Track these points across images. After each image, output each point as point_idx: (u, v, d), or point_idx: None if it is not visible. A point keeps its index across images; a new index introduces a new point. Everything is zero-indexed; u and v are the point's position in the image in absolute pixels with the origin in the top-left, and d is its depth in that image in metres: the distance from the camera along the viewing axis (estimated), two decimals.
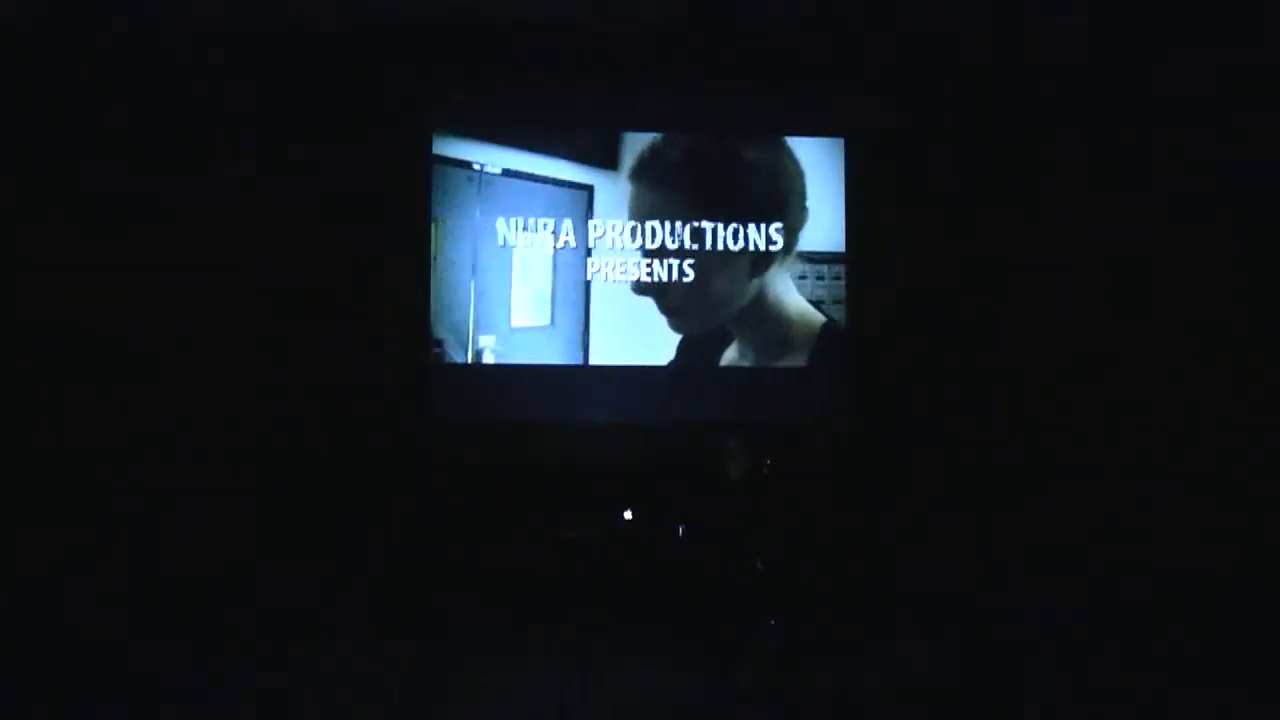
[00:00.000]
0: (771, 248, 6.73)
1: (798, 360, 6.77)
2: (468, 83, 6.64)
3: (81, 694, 4.78)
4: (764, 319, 6.78)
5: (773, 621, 4.61)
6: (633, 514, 4.90)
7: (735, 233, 6.73)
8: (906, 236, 6.67)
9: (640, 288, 6.72)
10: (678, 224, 6.72)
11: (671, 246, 6.70)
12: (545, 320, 6.72)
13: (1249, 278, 6.46)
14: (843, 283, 6.78)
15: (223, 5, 6.12)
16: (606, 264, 6.71)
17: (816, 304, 6.78)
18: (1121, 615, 5.89)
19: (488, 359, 6.63)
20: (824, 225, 6.80)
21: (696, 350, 6.73)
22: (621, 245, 6.72)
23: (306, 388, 6.33)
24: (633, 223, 6.73)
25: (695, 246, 6.71)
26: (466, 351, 6.62)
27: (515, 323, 6.70)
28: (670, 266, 6.69)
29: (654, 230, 6.72)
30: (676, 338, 6.74)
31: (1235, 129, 6.50)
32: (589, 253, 6.72)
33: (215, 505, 6.15)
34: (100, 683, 4.94)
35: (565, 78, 6.62)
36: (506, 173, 6.73)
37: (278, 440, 6.27)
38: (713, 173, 6.79)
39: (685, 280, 6.68)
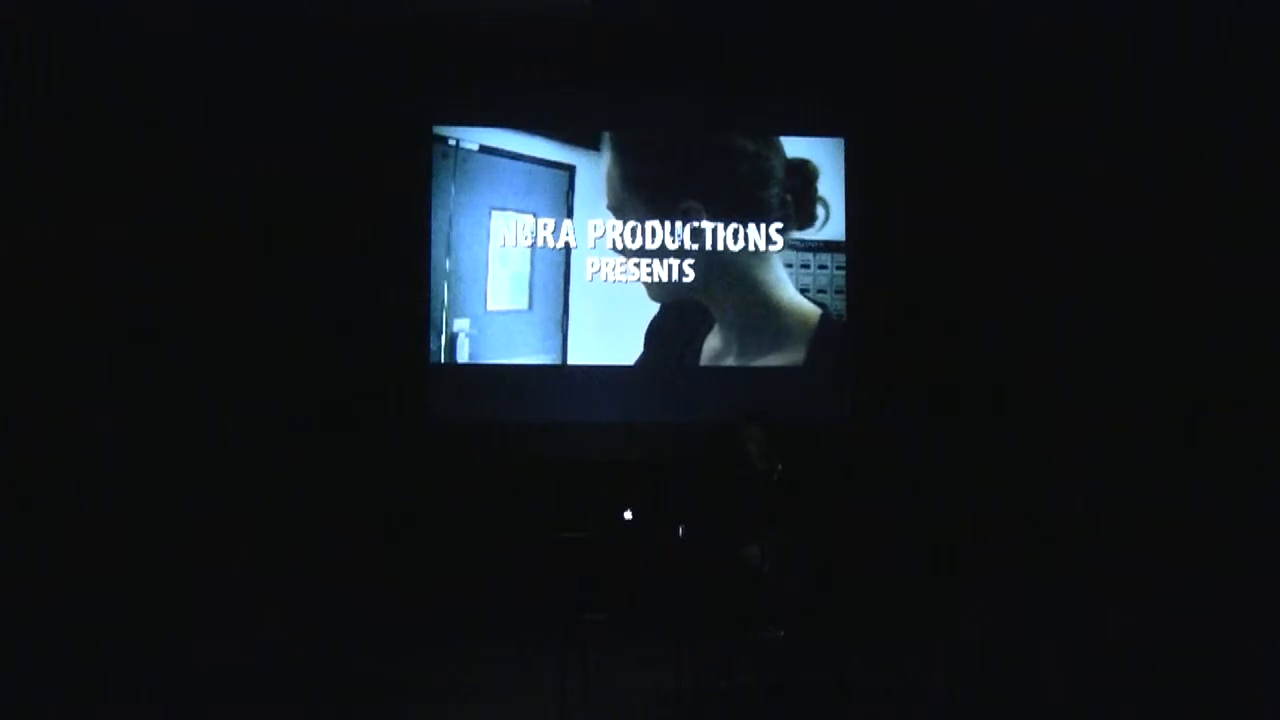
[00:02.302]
0: (771, 247, 6.71)
1: (791, 354, 6.69)
2: (467, 83, 6.62)
3: (80, 694, 4.78)
4: (751, 306, 6.68)
5: (782, 633, 4.61)
6: (633, 514, 4.89)
7: (735, 233, 6.70)
8: (906, 236, 6.67)
9: (634, 288, 6.61)
10: (672, 222, 6.65)
11: (672, 246, 6.65)
12: (523, 304, 6.55)
13: (1249, 277, 6.46)
14: (843, 272, 6.73)
15: (222, 5, 6.13)
16: (593, 265, 6.59)
17: (817, 293, 6.70)
18: (1122, 615, 5.88)
19: (461, 343, 6.47)
20: (818, 215, 6.75)
21: (672, 335, 6.62)
22: (611, 242, 6.60)
23: (305, 387, 6.32)
24: (618, 221, 6.62)
25: (695, 247, 6.67)
26: (440, 335, 6.47)
27: (491, 306, 6.52)
28: (670, 267, 6.65)
29: (639, 228, 6.62)
30: (652, 329, 6.62)
31: (1235, 129, 6.50)
32: (569, 249, 6.58)
33: (214, 504, 6.15)
34: (98, 683, 4.94)
35: (564, 77, 6.61)
36: (484, 149, 6.54)
37: (276, 440, 6.26)
38: (700, 153, 6.71)
39: (685, 280, 6.64)
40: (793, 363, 6.71)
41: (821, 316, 6.73)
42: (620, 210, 6.66)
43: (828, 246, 6.75)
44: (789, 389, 6.61)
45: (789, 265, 6.71)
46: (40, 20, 6.01)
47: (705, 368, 6.67)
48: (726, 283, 6.70)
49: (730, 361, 6.69)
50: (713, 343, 6.68)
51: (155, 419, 6.19)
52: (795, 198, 6.75)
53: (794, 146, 6.81)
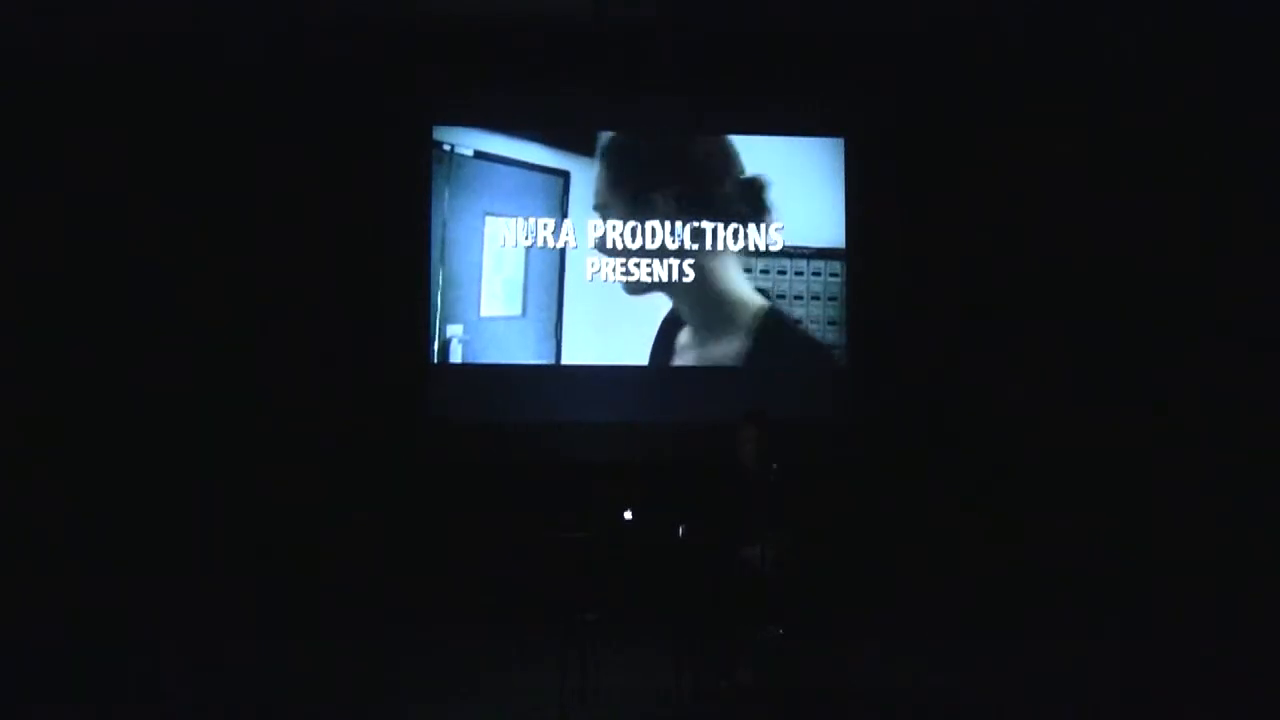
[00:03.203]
0: (771, 247, 6.72)
1: (790, 355, 6.68)
2: (466, 85, 6.62)
3: (80, 694, 4.77)
4: (707, 299, 6.66)
5: (781, 631, 4.62)
6: (633, 514, 4.89)
7: (736, 233, 6.70)
8: (905, 237, 6.67)
9: (634, 287, 6.62)
10: (673, 223, 6.65)
11: (672, 246, 6.65)
12: (517, 310, 6.54)
13: (1249, 277, 6.46)
14: (837, 280, 6.73)
15: (221, 5, 6.13)
16: (593, 265, 6.59)
17: (813, 298, 6.71)
18: (1122, 615, 5.89)
19: (455, 349, 6.47)
20: (814, 220, 6.74)
21: (672, 335, 6.60)
22: (611, 243, 6.60)
23: (305, 386, 6.33)
24: (615, 221, 6.62)
25: (695, 247, 6.67)
26: (432, 341, 6.48)
27: (485, 312, 6.51)
28: (670, 267, 6.65)
29: (639, 228, 6.62)
30: (652, 329, 6.61)
31: (1235, 129, 6.50)
32: (564, 250, 6.57)
33: (213, 504, 6.15)
34: (99, 683, 4.93)
35: (564, 78, 6.61)
36: (479, 155, 6.54)
37: (275, 440, 6.27)
38: (694, 159, 6.70)
39: (685, 280, 6.65)
40: (792, 363, 6.70)
41: (820, 317, 6.72)
42: (617, 211, 6.66)
43: (822, 254, 6.74)
44: (788, 389, 6.61)
45: (792, 273, 6.71)
46: (40, 20, 6.01)
47: (704, 368, 6.67)
48: (727, 283, 6.69)
49: (730, 362, 6.68)
50: (712, 343, 6.68)
51: (154, 419, 6.19)
52: (762, 204, 6.74)
53: (791, 147, 6.79)
